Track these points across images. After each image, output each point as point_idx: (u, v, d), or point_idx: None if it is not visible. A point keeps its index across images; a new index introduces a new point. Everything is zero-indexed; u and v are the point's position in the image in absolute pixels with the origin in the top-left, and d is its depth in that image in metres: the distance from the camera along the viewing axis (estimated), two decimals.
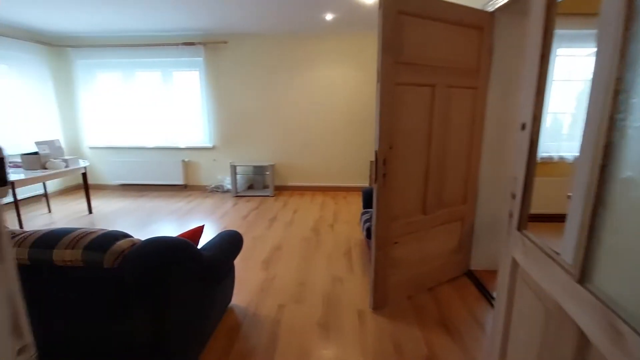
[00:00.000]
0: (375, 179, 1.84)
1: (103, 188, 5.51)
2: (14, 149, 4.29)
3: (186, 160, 5.33)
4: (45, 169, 3.63)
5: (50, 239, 1.16)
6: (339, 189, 5.30)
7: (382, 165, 1.81)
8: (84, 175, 4.13)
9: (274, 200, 4.77)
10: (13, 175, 3.31)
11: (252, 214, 4.13)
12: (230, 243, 1.85)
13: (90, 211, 4.22)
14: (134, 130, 5.26)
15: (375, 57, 4.79)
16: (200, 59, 4.90)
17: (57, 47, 5.02)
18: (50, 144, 3.80)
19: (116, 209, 4.39)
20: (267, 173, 5.10)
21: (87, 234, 1.19)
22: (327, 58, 4.88)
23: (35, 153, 3.63)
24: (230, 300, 2.12)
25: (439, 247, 2.29)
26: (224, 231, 1.94)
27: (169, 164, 5.27)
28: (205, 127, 5.20)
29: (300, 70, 4.95)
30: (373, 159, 5.27)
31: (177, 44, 4.82)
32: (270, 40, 4.88)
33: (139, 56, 4.94)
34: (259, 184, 5.31)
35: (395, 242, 2.00)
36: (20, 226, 3.28)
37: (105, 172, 5.46)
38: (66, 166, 3.77)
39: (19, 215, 3.24)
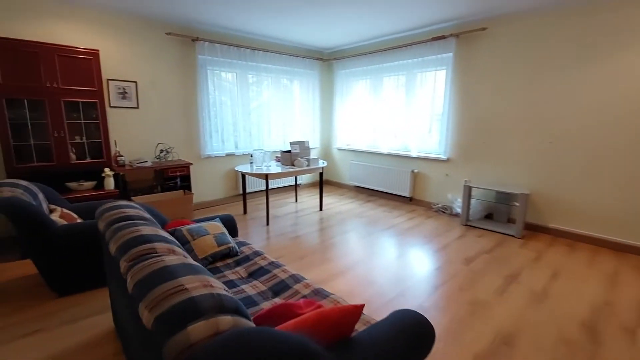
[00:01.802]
0: None
1: (341, 187, 5.97)
2: (285, 146, 5.32)
3: (416, 171, 4.79)
4: (293, 165, 4.16)
5: (147, 285, 0.87)
6: None
7: None
8: (321, 175, 4.50)
9: (519, 245, 3.34)
10: (273, 168, 3.99)
11: (481, 260, 3.00)
12: (409, 343, 1.07)
13: (320, 208, 4.56)
14: (373, 135, 5.29)
15: None
16: (450, 54, 4.13)
17: (327, 61, 5.79)
18: (301, 144, 4.33)
19: (343, 210, 4.52)
20: (517, 204, 3.65)
21: (177, 292, 0.82)
22: None
23: (289, 151, 4.23)
24: None
25: None
26: (404, 313, 1.17)
27: (399, 173, 4.92)
28: (442, 135, 4.42)
29: (590, 59, 3.11)
30: None
31: (425, 41, 4.29)
32: (545, 19, 3.35)
33: (386, 61, 4.83)
34: (502, 215, 3.95)
35: None
36: (267, 210, 3.90)
37: (345, 172, 5.88)
38: (307, 165, 4.18)
39: (267, 202, 3.86)
